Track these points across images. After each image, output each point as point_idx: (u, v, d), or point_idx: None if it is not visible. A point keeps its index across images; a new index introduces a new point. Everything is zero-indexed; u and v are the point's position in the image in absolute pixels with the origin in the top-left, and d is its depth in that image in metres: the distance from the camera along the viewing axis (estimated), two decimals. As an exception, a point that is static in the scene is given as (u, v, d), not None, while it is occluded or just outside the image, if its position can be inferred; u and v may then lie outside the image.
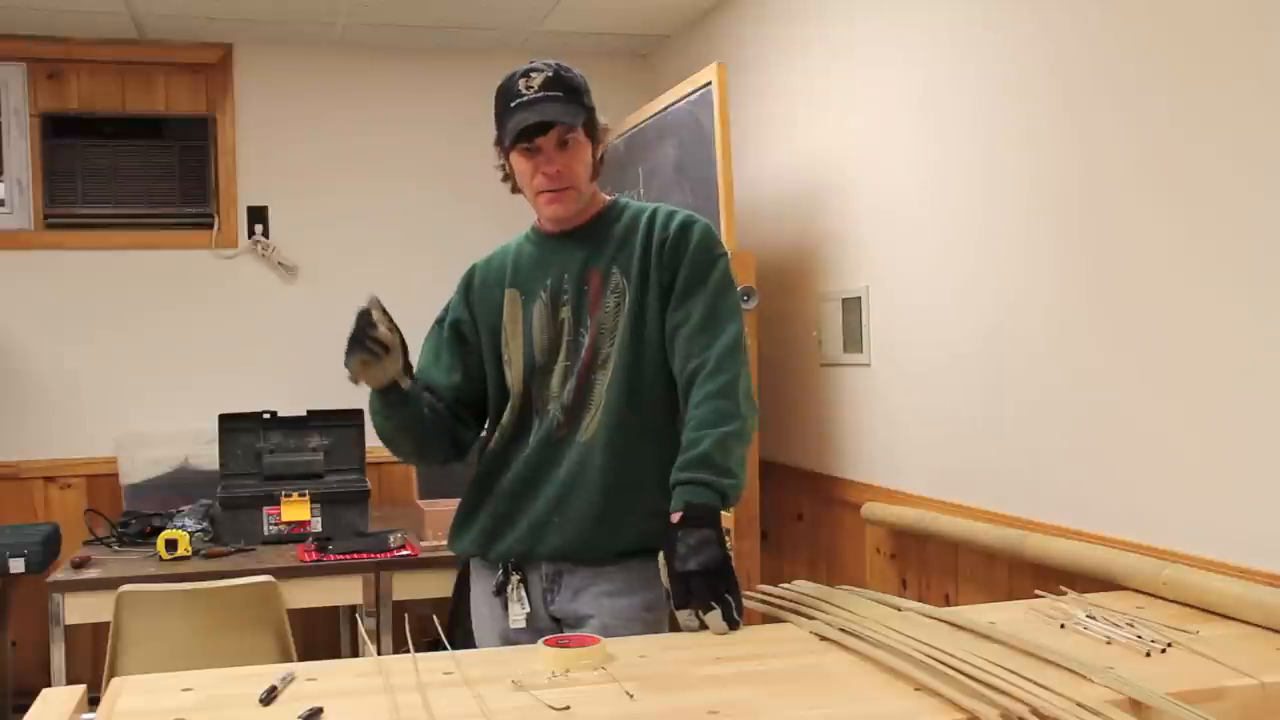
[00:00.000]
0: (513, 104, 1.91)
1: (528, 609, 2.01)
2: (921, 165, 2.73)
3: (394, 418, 2.00)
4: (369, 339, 1.88)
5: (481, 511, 2.05)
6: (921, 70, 2.72)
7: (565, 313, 2.00)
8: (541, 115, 1.89)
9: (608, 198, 2.08)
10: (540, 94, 1.90)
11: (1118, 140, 2.10)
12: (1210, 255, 1.90)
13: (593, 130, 1.99)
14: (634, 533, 1.95)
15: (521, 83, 1.92)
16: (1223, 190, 1.87)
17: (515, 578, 2.01)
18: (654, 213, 2.03)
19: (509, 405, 2.04)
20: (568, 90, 1.93)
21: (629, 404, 1.96)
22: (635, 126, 3.58)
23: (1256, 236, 1.81)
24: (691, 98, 3.17)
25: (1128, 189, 2.08)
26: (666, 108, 3.34)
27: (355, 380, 1.95)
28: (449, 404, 2.07)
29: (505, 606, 2.03)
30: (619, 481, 1.95)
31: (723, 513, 1.83)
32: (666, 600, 1.89)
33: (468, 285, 2.13)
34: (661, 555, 1.82)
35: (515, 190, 2.05)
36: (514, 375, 2.03)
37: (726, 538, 1.81)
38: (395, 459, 2.14)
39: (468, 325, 2.10)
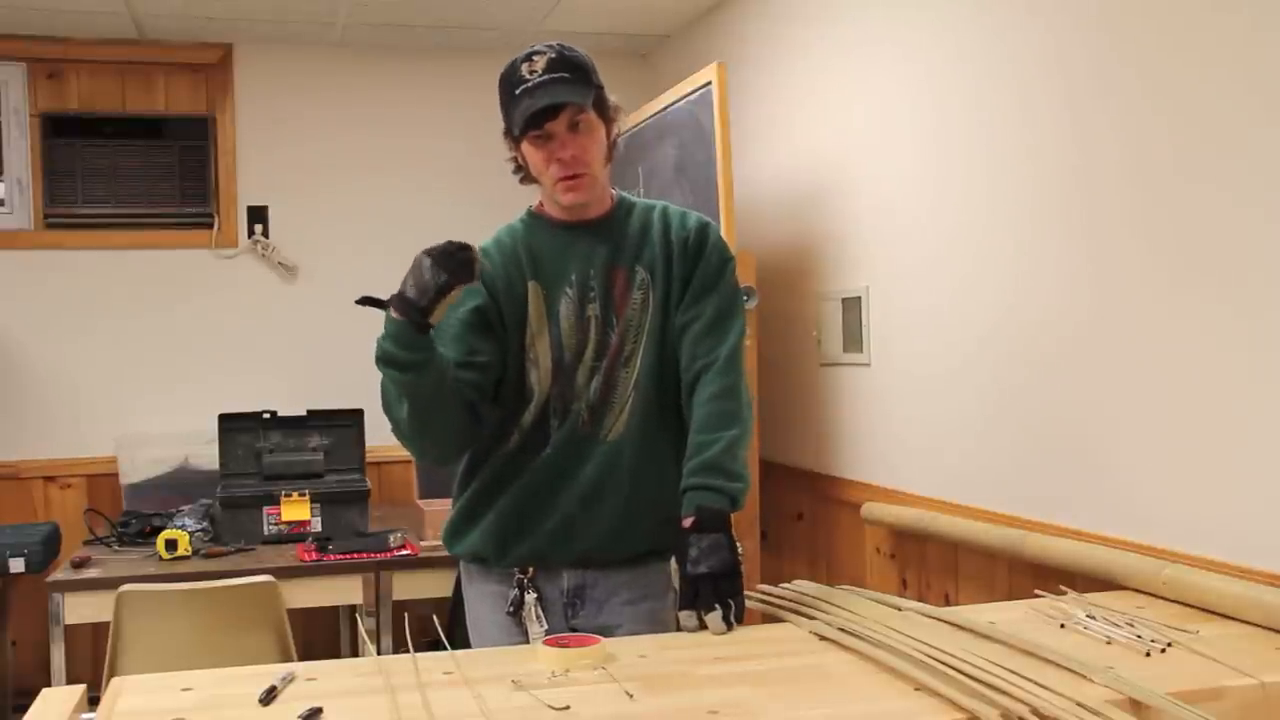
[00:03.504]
0: (518, 90, 1.84)
1: (546, 626, 1.95)
2: (922, 165, 2.73)
3: (429, 378, 1.79)
4: (471, 259, 1.71)
5: (491, 512, 1.97)
6: (922, 70, 2.72)
7: (593, 310, 1.95)
8: (550, 98, 1.82)
9: (614, 193, 2.05)
10: (545, 76, 1.83)
11: (1118, 141, 2.10)
12: (1211, 255, 1.90)
13: (603, 110, 1.92)
14: (662, 530, 1.91)
15: (525, 68, 1.85)
16: (1223, 191, 1.87)
17: (531, 596, 1.96)
18: (665, 210, 2.02)
19: (531, 405, 1.95)
20: (573, 69, 1.86)
21: (655, 401, 1.95)
22: (635, 126, 3.58)
23: (1258, 237, 1.81)
24: (691, 97, 3.17)
25: (1128, 189, 2.08)
26: (666, 107, 3.34)
27: (431, 305, 1.71)
28: (466, 383, 1.90)
29: (519, 625, 1.96)
30: (645, 479, 1.94)
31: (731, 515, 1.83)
32: (674, 601, 1.89)
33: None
34: (674, 558, 1.82)
35: (525, 181, 1.99)
36: (541, 375, 1.95)
37: (737, 543, 1.81)
38: (408, 456, 1.92)
39: (493, 312, 1.95)
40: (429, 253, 1.72)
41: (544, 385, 1.95)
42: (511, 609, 1.97)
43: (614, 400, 1.95)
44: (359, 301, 1.81)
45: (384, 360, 1.78)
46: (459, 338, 1.91)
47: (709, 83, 3.03)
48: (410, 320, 1.73)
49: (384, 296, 1.77)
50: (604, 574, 1.97)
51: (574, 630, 1.95)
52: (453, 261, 1.70)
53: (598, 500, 1.94)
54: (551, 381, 1.95)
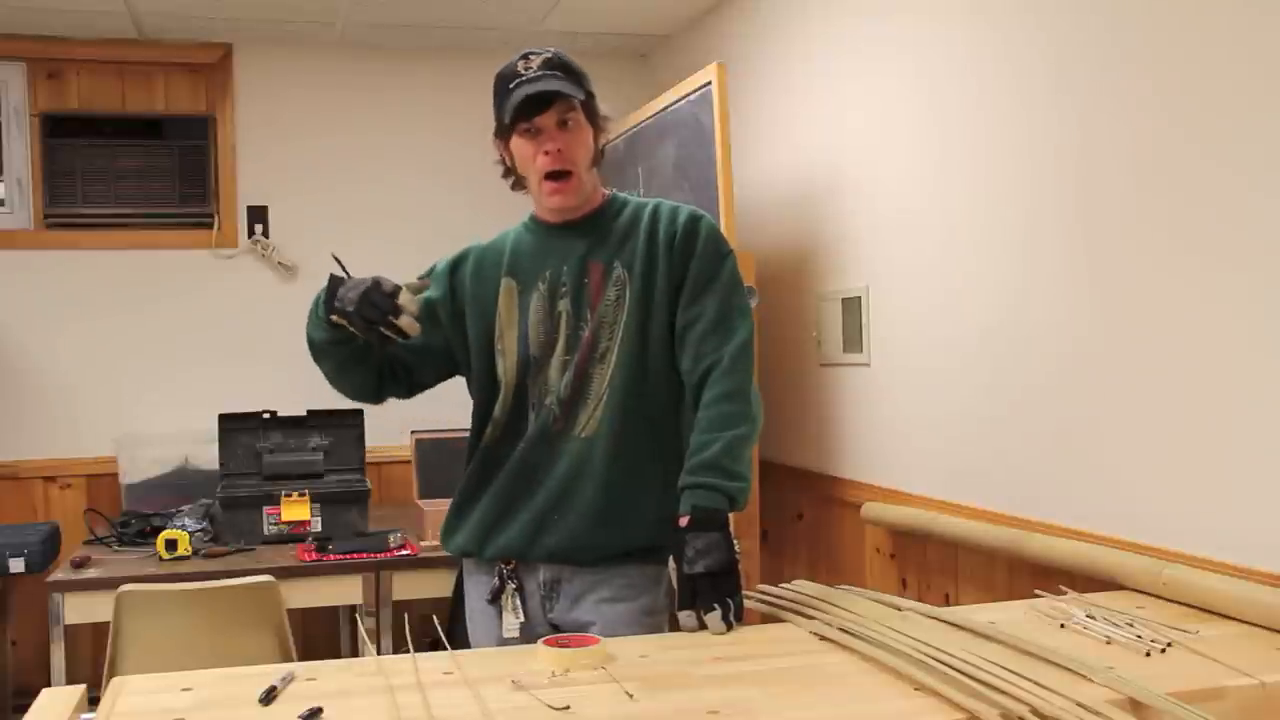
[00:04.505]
0: (512, 84, 1.90)
1: (522, 618, 1.99)
2: (921, 165, 2.73)
3: (337, 349, 1.95)
4: (388, 325, 1.82)
5: (476, 508, 2.02)
6: (921, 69, 2.72)
7: (564, 305, 1.98)
8: (544, 87, 1.88)
9: (606, 192, 2.07)
10: (540, 72, 1.90)
11: (1117, 139, 2.10)
12: (1210, 254, 1.90)
13: (593, 116, 1.97)
14: (634, 532, 1.95)
15: (521, 64, 1.92)
16: (1222, 188, 1.87)
17: (511, 586, 1.99)
18: (657, 208, 2.02)
19: (500, 398, 2.00)
20: (568, 71, 1.93)
21: (632, 399, 1.95)
22: (635, 126, 3.58)
23: (1256, 236, 1.81)
24: (691, 97, 3.17)
25: (1127, 188, 2.08)
26: (666, 107, 3.34)
27: (335, 313, 1.86)
28: (391, 355, 2.03)
29: (499, 614, 2.01)
30: (620, 479, 1.94)
31: (730, 514, 1.83)
32: (671, 602, 1.89)
33: (454, 267, 2.08)
34: (671, 558, 1.82)
35: (515, 187, 2.04)
36: (507, 366, 2.00)
37: (735, 541, 1.81)
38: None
39: (443, 306, 2.05)
40: (375, 283, 1.83)
41: (510, 377, 1.99)
42: (490, 597, 2.01)
43: (587, 396, 1.96)
44: (334, 256, 1.94)
45: (310, 314, 1.96)
46: None
47: (709, 83, 3.04)
48: (325, 306, 1.88)
49: (349, 273, 1.89)
50: (579, 570, 1.98)
51: (553, 624, 1.99)
52: (365, 311, 1.82)
53: (571, 497, 1.95)
54: (517, 374, 1.99)
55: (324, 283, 1.90)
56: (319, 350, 1.99)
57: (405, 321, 1.82)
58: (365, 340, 1.90)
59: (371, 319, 1.82)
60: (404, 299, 1.83)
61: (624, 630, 1.91)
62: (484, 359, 2.02)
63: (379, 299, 1.82)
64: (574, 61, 1.96)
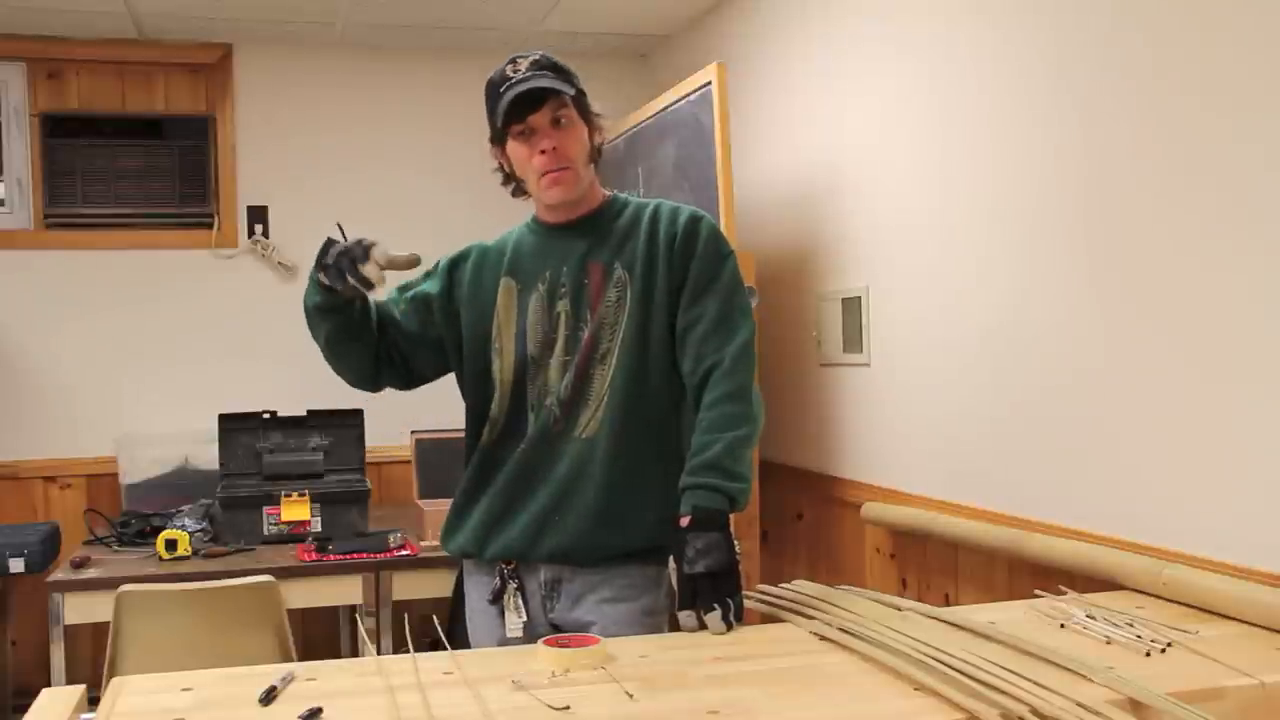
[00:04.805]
0: (502, 88, 1.92)
1: (524, 618, 1.99)
2: (922, 165, 2.73)
3: (334, 312, 1.99)
4: (354, 274, 1.87)
5: (476, 509, 2.02)
6: (922, 69, 2.72)
7: (563, 305, 1.98)
8: (534, 85, 1.89)
9: (606, 193, 2.07)
10: (529, 73, 1.91)
11: (1118, 138, 2.10)
12: (1210, 254, 1.90)
13: (586, 113, 1.98)
14: (635, 533, 1.95)
15: (509, 68, 1.93)
16: (1222, 189, 1.87)
17: (512, 585, 1.99)
18: (657, 208, 2.02)
19: (495, 397, 2.01)
20: (557, 70, 1.94)
21: (633, 400, 1.95)
22: (635, 126, 3.58)
23: (1256, 236, 1.81)
24: (691, 97, 3.17)
25: (1128, 188, 2.08)
26: (666, 107, 3.34)
27: (321, 268, 1.93)
28: (389, 340, 2.07)
29: (501, 614, 2.01)
30: (621, 479, 1.94)
31: (731, 515, 1.83)
32: (671, 603, 1.89)
33: (455, 264, 2.09)
34: (671, 558, 1.82)
35: (516, 194, 2.05)
36: (503, 365, 2.00)
37: (735, 542, 1.81)
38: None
39: (439, 302, 2.07)
40: (357, 241, 1.89)
41: (506, 376, 2.00)
42: (491, 597, 2.01)
43: (588, 397, 1.96)
44: (338, 224, 2.00)
45: (308, 282, 2.00)
46: (403, 311, 2.07)
47: (709, 83, 3.04)
48: (315, 263, 1.94)
49: (349, 240, 1.93)
50: (580, 570, 1.98)
51: (553, 624, 1.99)
52: (340, 261, 1.88)
53: (572, 497, 1.95)
54: (515, 374, 1.99)
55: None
56: (311, 317, 2.01)
57: (369, 268, 1.87)
58: (355, 307, 1.94)
59: (342, 268, 1.87)
60: (375, 252, 1.89)
61: (624, 630, 1.91)
62: (478, 359, 2.03)
63: (356, 251, 1.88)
64: (562, 61, 1.97)
